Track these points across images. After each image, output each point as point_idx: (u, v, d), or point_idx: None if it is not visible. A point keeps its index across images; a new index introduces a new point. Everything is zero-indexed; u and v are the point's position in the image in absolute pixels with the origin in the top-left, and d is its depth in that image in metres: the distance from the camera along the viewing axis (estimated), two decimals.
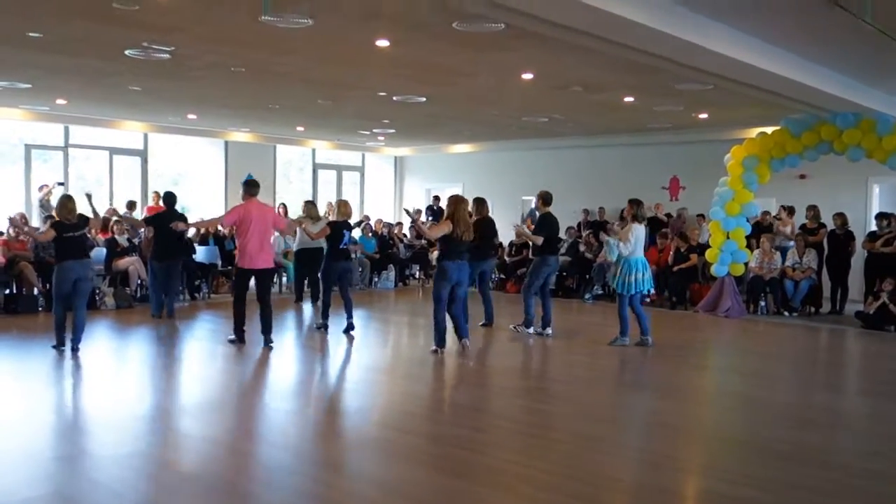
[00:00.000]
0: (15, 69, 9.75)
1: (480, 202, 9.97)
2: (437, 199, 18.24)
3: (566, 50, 7.69)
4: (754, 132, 12.04)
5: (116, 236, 12.09)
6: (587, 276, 13.80)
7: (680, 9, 6.26)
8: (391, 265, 15.18)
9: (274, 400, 6.66)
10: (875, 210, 12.82)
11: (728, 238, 11.69)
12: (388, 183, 20.64)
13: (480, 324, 9.92)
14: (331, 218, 10.57)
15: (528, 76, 9.46)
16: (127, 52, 8.44)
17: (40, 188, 13.79)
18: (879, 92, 9.86)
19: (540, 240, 9.34)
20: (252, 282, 8.44)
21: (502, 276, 15.24)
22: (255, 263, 8.31)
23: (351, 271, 9.99)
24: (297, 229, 11.45)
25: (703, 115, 12.58)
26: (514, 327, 9.68)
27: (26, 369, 7.60)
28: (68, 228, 7.95)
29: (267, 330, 8.43)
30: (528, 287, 9.51)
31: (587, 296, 13.52)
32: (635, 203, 8.83)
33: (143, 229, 12.09)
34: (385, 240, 15.42)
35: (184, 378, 7.52)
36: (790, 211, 12.89)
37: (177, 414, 6.10)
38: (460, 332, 8.32)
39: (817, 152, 11.03)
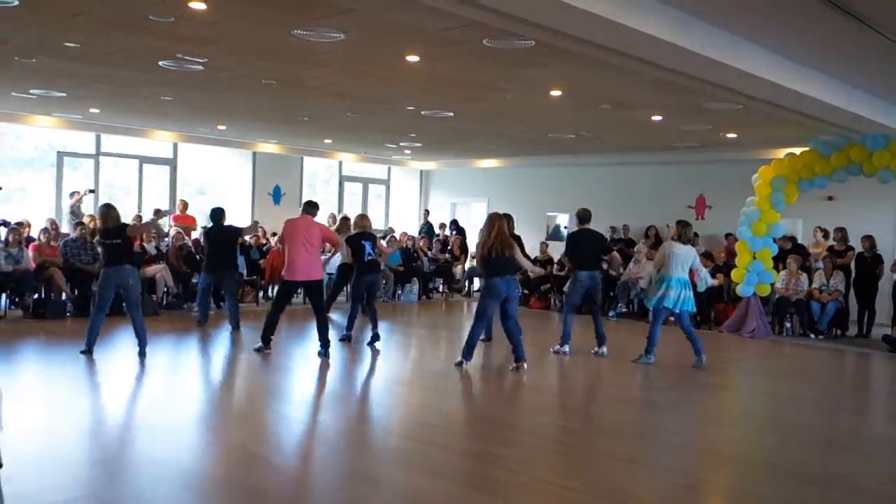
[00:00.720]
0: (51, 78, 9.93)
1: (507, 218, 9.99)
2: (427, 212, 18.86)
3: (595, 67, 7.71)
4: (783, 152, 11.96)
5: (144, 244, 12.24)
6: (611, 294, 13.74)
7: (710, 27, 6.26)
8: (415, 278, 15.21)
9: (301, 410, 6.69)
10: None
11: (754, 258, 11.61)
12: (413, 196, 20.72)
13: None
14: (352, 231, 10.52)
15: (556, 93, 9.49)
16: (161, 64, 8.59)
17: (71, 195, 13.99)
18: None
19: (567, 262, 9.39)
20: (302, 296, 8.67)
21: (526, 291, 15.21)
22: (299, 275, 8.48)
23: (378, 284, 10.00)
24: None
25: (732, 135, 12.53)
26: (555, 349, 9.41)
27: (57, 374, 7.70)
28: (105, 235, 8.18)
29: (324, 342, 8.57)
30: (567, 306, 9.58)
31: (611, 313, 13.46)
32: (681, 224, 8.84)
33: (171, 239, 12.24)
34: (409, 253, 15.46)
35: (214, 386, 7.58)
36: (826, 233, 12.80)
37: (203, 422, 6.14)
38: (518, 353, 8.16)
39: (846, 174, 10.94)
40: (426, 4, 5.24)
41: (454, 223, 18.07)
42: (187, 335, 10.12)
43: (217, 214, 10.65)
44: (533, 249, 15.90)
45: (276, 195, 17.57)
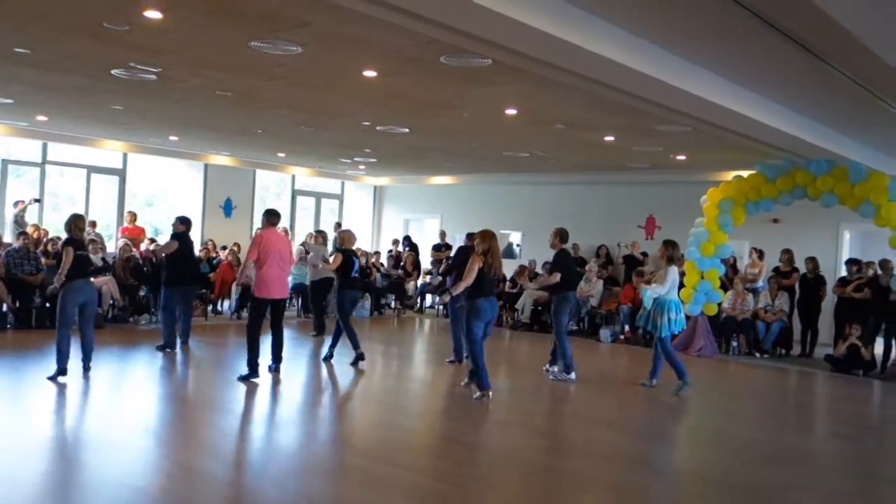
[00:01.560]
0: None
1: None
2: (338, 225, 18.61)
3: (550, 87, 7.81)
4: (730, 175, 12.25)
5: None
6: None
7: (662, 52, 6.40)
8: (367, 294, 15.15)
9: (253, 427, 6.60)
10: (845, 256, 13.09)
11: (702, 278, 11.83)
12: (366, 212, 20.68)
13: (448, 360, 9.88)
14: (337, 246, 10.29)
15: (511, 111, 9.59)
16: (113, 72, 8.45)
17: (15, 204, 13.64)
18: (853, 141, 10.11)
19: (557, 277, 8.94)
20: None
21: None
22: (274, 293, 8.25)
23: (357, 300, 9.83)
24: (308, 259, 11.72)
25: (682, 157, 12.79)
26: (553, 374, 9.15)
27: None
28: (81, 246, 7.78)
29: (278, 358, 8.44)
30: (559, 329, 9.08)
31: None
32: (670, 245, 8.71)
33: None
34: (362, 269, 15.38)
35: (163, 401, 7.43)
36: (760, 254, 13.11)
37: (181, 446, 6.02)
38: (484, 380, 7.69)
39: (791, 197, 11.23)
40: (384, 20, 5.26)
41: (407, 239, 18.07)
42: (136, 349, 9.90)
43: (186, 224, 10.24)
44: None
45: (227, 208, 17.37)
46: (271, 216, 8.59)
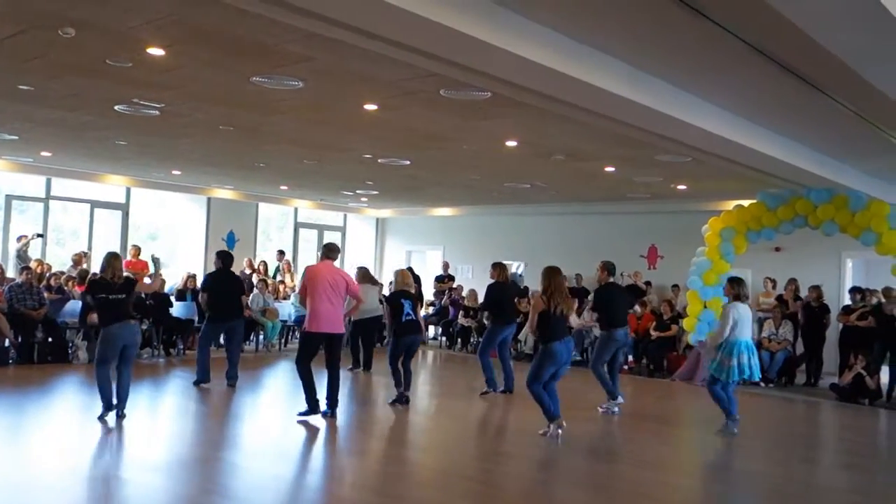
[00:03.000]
0: (3, 121, 9.78)
1: (501, 267, 10.03)
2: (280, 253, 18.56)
3: (550, 119, 7.87)
4: (731, 204, 12.27)
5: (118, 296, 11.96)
6: None
7: (662, 83, 6.44)
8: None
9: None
10: (848, 284, 13.05)
11: (705, 307, 11.80)
12: (369, 244, 20.70)
13: (483, 392, 9.75)
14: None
15: (511, 143, 9.64)
16: (116, 108, 8.52)
17: (18, 239, 13.68)
18: (853, 169, 10.13)
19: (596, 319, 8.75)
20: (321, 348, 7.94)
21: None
22: (325, 327, 7.79)
23: (417, 344, 9.12)
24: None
25: (682, 187, 12.83)
26: (604, 409, 8.97)
27: (2, 425, 7.45)
28: (110, 289, 7.35)
29: (334, 401, 7.95)
30: (597, 365, 8.92)
31: None
32: (736, 282, 8.20)
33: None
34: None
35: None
36: (774, 283, 13.10)
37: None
38: (555, 411, 7.42)
39: (792, 226, 11.24)
40: (385, 55, 5.31)
41: (409, 270, 18.04)
42: (145, 384, 9.85)
43: (227, 257, 10.05)
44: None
45: (230, 241, 17.40)
46: (327, 250, 8.24)
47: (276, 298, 14.75)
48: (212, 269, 10.47)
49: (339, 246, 8.37)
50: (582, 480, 6.39)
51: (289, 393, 9.72)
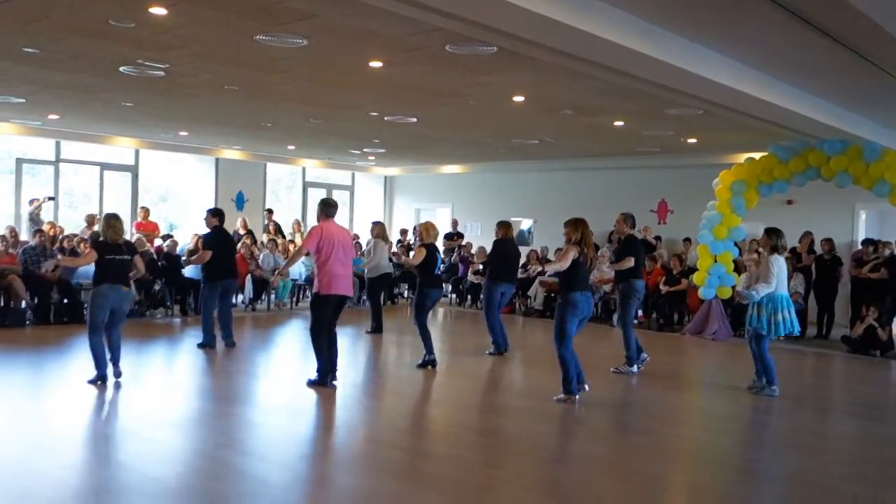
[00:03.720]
0: (9, 84, 9.76)
1: (506, 225, 10.01)
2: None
3: (558, 73, 7.78)
4: (742, 157, 12.15)
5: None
6: None
7: (671, 35, 6.34)
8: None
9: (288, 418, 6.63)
10: (861, 236, 12.97)
11: (716, 261, 11.77)
12: (377, 202, 20.69)
13: (490, 352, 9.70)
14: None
15: (519, 99, 9.55)
16: (121, 69, 8.48)
17: (30, 202, 13.76)
18: (867, 120, 9.99)
19: (631, 262, 8.64)
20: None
21: None
22: (341, 290, 7.55)
23: (438, 300, 9.05)
24: (369, 251, 11.41)
25: (692, 140, 12.71)
26: (616, 369, 8.75)
27: (19, 382, 7.56)
28: (111, 250, 7.35)
29: (334, 366, 7.68)
30: (625, 320, 8.77)
31: None
32: (774, 233, 7.83)
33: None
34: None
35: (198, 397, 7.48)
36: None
37: (175, 428, 6.08)
38: (579, 377, 7.24)
39: (805, 178, 11.14)
40: (389, 10, 5.24)
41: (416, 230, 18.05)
42: (159, 344, 9.97)
43: (219, 216, 9.78)
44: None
45: (239, 202, 17.43)
46: (328, 207, 7.75)
47: (286, 258, 14.79)
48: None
49: (336, 201, 8.02)
50: (595, 435, 6.45)
51: (302, 351, 9.81)
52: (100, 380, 7.29)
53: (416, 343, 8.97)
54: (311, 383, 7.53)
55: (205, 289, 9.68)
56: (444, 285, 8.88)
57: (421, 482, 4.89)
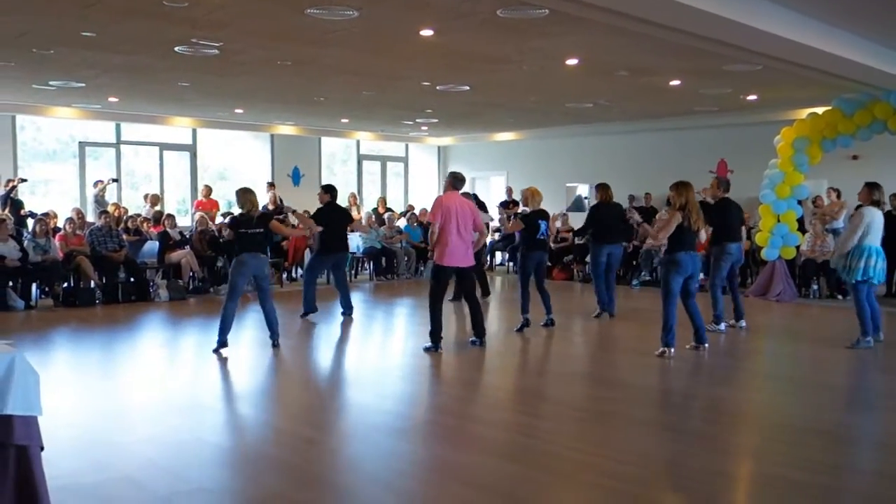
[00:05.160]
0: (69, 69, 10.01)
1: (605, 188, 10.13)
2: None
3: (611, 34, 7.64)
4: (805, 113, 11.81)
5: (168, 230, 12.36)
6: (634, 263, 13.73)
7: None
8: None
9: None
10: None
11: (778, 221, 11.50)
12: (431, 173, 20.69)
13: (596, 314, 10.02)
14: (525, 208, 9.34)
15: (572, 62, 9.41)
16: (176, 49, 8.61)
17: (95, 184, 14.15)
18: None
19: (708, 231, 8.54)
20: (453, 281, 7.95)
21: (548, 263, 15.19)
22: (458, 261, 7.69)
23: (545, 263, 9.30)
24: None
25: (752, 97, 12.37)
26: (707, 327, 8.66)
27: (94, 360, 7.84)
28: (249, 224, 7.71)
29: (480, 331, 8.02)
30: (714, 281, 8.94)
31: (634, 282, 13.48)
32: (875, 187, 7.93)
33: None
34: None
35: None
36: (838, 193, 12.65)
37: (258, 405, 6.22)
38: (700, 334, 7.66)
39: (870, 132, 10.77)
40: None
41: (474, 198, 17.98)
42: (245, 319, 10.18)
43: (334, 190, 10.08)
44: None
45: (296, 177, 17.63)
46: (455, 180, 7.92)
47: None
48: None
49: (464, 175, 8.16)
50: (657, 399, 6.41)
51: (366, 325, 9.94)
52: (221, 346, 7.64)
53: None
54: (426, 349, 7.76)
55: (314, 261, 10.06)
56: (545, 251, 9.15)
57: (495, 453, 4.92)
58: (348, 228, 10.35)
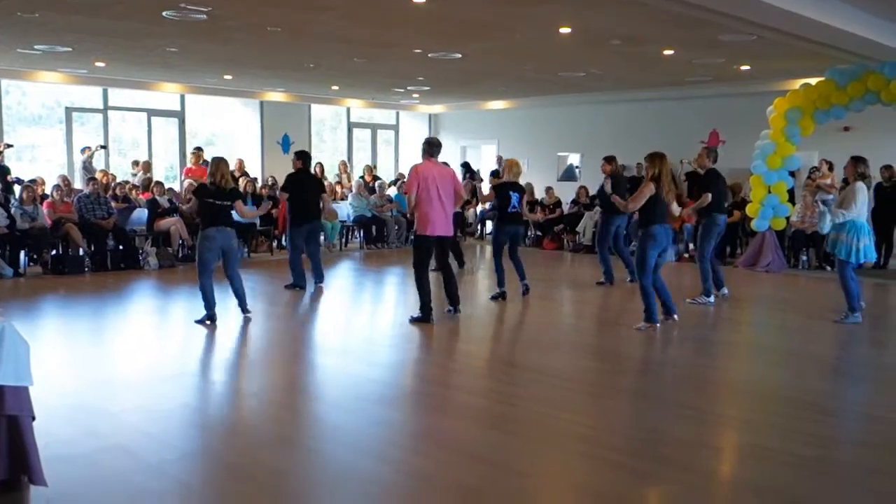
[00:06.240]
0: (55, 33, 9.84)
1: (613, 160, 10.32)
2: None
3: (604, 2, 7.56)
4: (798, 83, 11.77)
5: (157, 197, 12.28)
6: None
7: None
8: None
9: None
10: None
11: (769, 192, 11.52)
12: (422, 141, 20.53)
13: (599, 281, 10.26)
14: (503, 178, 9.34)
15: (565, 30, 9.32)
16: (164, 14, 8.48)
17: (82, 150, 14.01)
18: None
19: (708, 198, 8.74)
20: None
21: (539, 233, 15.24)
22: (439, 231, 7.59)
23: (520, 234, 9.21)
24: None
25: (745, 67, 12.31)
26: (692, 300, 8.85)
27: (83, 328, 7.81)
28: (212, 194, 7.42)
29: (455, 300, 7.99)
30: (703, 253, 8.92)
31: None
32: (861, 161, 7.85)
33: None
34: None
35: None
36: (830, 165, 12.66)
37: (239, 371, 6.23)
38: (668, 306, 7.58)
39: (864, 103, 10.75)
40: None
41: (465, 165, 17.91)
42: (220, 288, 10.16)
43: (306, 157, 9.91)
44: (541, 192, 15.87)
45: (285, 144, 17.51)
46: (430, 146, 7.75)
47: (335, 200, 14.91)
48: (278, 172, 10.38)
49: (440, 140, 8.04)
50: (654, 369, 6.45)
51: (355, 293, 9.94)
52: (208, 319, 7.52)
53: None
54: (413, 320, 7.71)
55: (290, 231, 9.81)
56: (524, 223, 9.15)
57: (483, 422, 4.95)
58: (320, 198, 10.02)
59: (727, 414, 5.21)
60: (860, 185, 7.72)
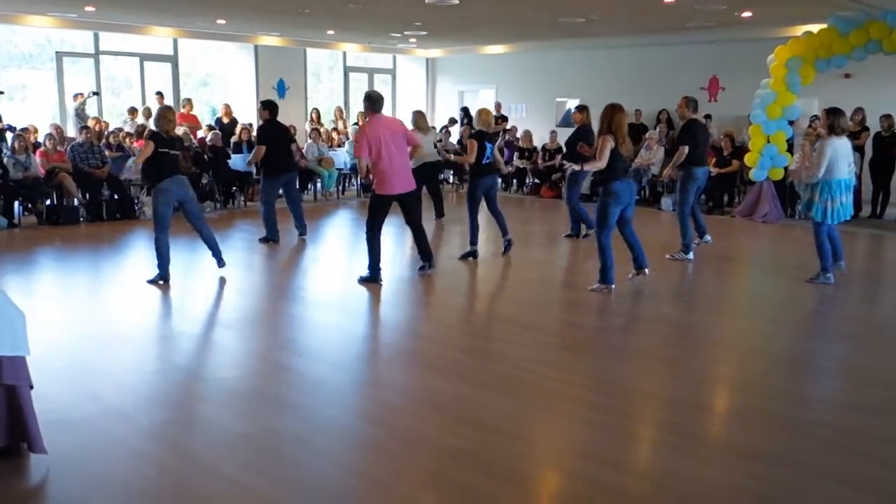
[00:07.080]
0: None
1: (585, 109, 10.01)
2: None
3: None
4: (800, 31, 11.58)
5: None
6: None
7: None
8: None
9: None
10: None
11: (768, 142, 11.43)
12: (419, 85, 20.33)
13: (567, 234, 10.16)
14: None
15: None
16: None
17: (74, 97, 13.83)
18: None
19: (685, 152, 8.43)
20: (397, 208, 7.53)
21: (537, 181, 15.18)
22: (396, 188, 7.30)
23: (496, 186, 8.92)
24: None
25: (747, 14, 12.10)
26: (672, 256, 8.68)
27: (80, 281, 7.82)
28: (166, 143, 7.13)
29: (427, 255, 7.75)
30: (682, 207, 8.64)
31: None
32: (832, 113, 7.30)
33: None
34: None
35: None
36: None
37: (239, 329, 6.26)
38: (640, 261, 7.40)
39: (866, 52, 10.58)
40: None
41: (464, 111, 17.75)
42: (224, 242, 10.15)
43: (273, 106, 9.56)
44: (543, 137, 15.75)
45: (281, 89, 17.28)
46: (372, 102, 7.35)
47: (331, 147, 14.80)
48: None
49: (381, 93, 7.65)
50: (641, 326, 6.49)
51: (351, 244, 9.93)
52: (161, 279, 7.33)
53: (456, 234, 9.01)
54: (362, 280, 7.50)
55: (264, 184, 9.60)
56: (500, 173, 8.84)
57: (471, 380, 5.00)
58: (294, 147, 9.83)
59: (720, 373, 5.25)
60: (830, 142, 7.19)
